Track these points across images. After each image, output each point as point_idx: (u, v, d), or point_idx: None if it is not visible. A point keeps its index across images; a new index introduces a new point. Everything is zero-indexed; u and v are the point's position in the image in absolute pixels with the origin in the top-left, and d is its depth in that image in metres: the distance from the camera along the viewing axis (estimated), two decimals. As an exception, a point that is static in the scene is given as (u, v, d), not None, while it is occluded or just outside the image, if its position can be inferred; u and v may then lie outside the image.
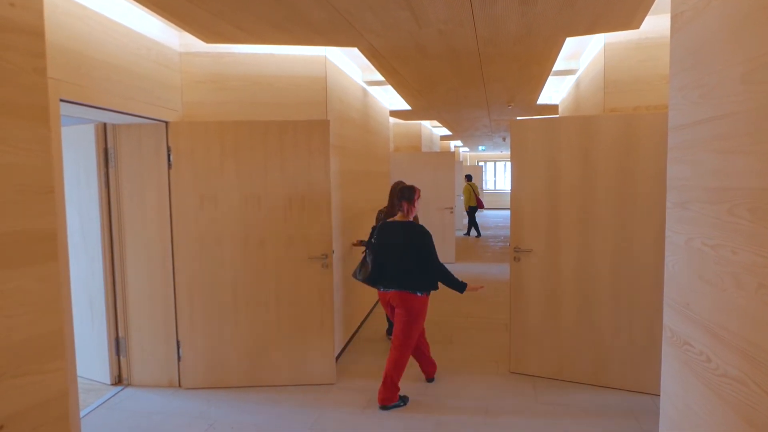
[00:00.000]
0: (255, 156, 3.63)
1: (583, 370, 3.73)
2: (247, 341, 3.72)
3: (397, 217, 3.51)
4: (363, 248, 4.58)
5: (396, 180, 4.71)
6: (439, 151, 11.25)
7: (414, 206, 3.46)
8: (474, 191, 11.80)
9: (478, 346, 4.60)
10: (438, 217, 8.74)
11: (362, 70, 5.27)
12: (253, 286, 3.69)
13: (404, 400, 3.44)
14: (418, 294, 3.34)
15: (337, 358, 4.26)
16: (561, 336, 3.78)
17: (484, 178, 19.95)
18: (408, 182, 4.29)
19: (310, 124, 3.63)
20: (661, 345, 3.54)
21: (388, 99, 7.02)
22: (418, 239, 3.34)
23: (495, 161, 22.11)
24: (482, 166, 20.42)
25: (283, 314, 3.72)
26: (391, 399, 3.36)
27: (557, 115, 7.17)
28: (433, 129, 11.44)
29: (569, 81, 5.78)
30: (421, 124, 9.58)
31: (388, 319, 4.83)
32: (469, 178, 12.22)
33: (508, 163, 21.80)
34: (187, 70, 3.77)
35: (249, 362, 3.73)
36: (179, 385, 3.75)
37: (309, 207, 3.66)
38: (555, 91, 6.80)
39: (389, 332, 4.82)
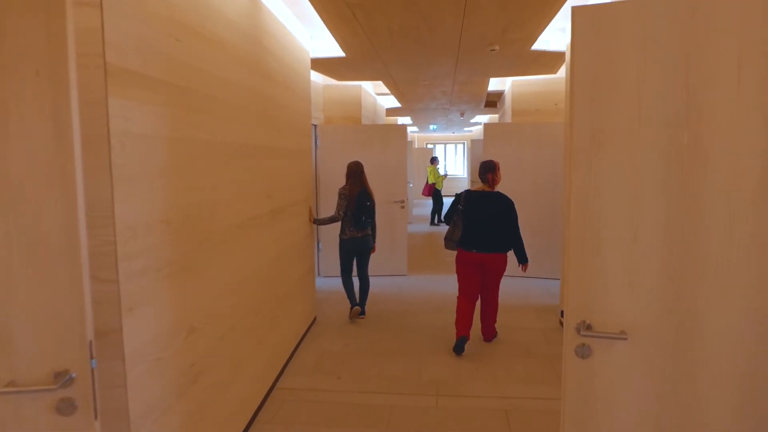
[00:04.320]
0: None
1: None
2: None
3: (484, 188, 3.86)
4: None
5: (353, 160, 4.61)
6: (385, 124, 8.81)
7: (497, 175, 3.84)
8: (434, 174, 10.99)
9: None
10: (386, 213, 6.32)
11: (244, -50, 2.77)
12: None
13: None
14: (505, 253, 3.86)
15: None
16: None
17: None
18: (342, 165, 4.86)
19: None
20: None
21: (310, 38, 4.53)
22: (508, 208, 3.80)
23: (445, 143, 20.03)
24: (432, 148, 18.26)
25: None
26: (493, 333, 4.09)
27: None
28: (378, 98, 9.02)
29: None
30: (361, 87, 7.11)
31: (351, 301, 4.72)
32: (433, 160, 11.26)
33: (461, 145, 19.76)
34: None
35: None
36: None
37: None
38: (560, 30, 4.57)
39: (355, 306, 4.70)
